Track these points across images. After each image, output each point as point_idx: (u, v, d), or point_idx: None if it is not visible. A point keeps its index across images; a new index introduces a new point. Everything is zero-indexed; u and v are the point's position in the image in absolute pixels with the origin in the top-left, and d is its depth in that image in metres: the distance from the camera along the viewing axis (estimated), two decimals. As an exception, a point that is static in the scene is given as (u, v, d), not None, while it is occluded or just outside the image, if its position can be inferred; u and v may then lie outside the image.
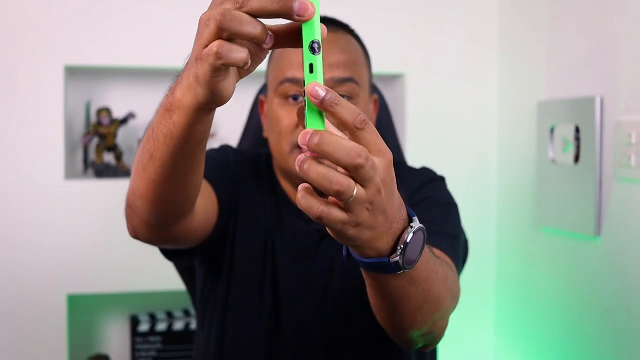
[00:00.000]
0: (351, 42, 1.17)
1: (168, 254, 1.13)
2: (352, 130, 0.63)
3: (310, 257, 1.17)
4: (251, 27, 0.62)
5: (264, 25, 0.63)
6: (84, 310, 1.93)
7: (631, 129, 1.38)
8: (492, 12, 1.96)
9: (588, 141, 1.50)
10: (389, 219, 0.68)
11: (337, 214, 0.64)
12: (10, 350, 1.73)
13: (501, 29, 1.94)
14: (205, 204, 1.04)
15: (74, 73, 1.87)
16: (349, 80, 1.13)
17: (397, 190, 0.69)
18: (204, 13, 0.64)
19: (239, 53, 0.62)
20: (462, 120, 1.97)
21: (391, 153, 0.66)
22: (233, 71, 0.69)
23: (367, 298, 0.85)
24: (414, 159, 1.75)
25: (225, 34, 0.62)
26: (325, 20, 1.18)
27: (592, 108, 1.48)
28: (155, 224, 0.92)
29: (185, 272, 1.33)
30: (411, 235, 0.70)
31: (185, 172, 0.83)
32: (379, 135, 0.65)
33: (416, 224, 0.71)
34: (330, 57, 1.12)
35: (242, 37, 0.62)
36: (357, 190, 0.62)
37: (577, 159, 1.55)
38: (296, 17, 0.62)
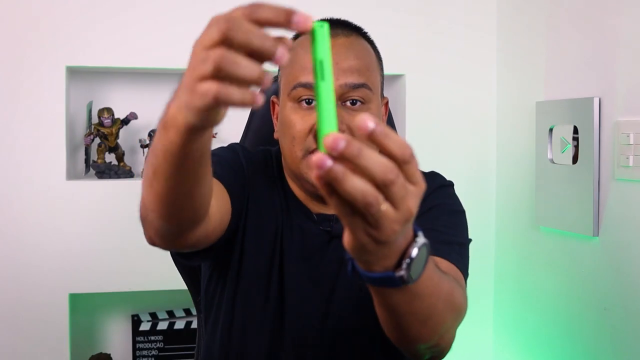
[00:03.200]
0: (364, 46, 1.17)
1: (181, 255, 1.14)
2: (399, 163, 0.61)
3: (318, 257, 1.17)
4: (248, 71, 0.59)
5: (261, 68, 0.60)
6: (85, 310, 1.93)
7: (629, 129, 1.38)
8: (491, 13, 1.96)
9: (586, 141, 1.51)
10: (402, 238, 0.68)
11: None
12: (12, 349, 1.74)
13: (500, 29, 1.95)
14: (219, 206, 1.04)
15: (75, 74, 1.88)
16: (363, 85, 1.13)
17: None
18: (201, 37, 0.61)
19: (242, 94, 0.60)
20: (461, 120, 1.98)
21: (423, 184, 0.64)
22: None
23: (373, 301, 0.86)
24: (414, 159, 1.76)
25: (223, 73, 0.59)
26: (338, 23, 1.18)
27: (590, 108, 1.49)
28: (170, 234, 0.93)
29: (187, 270, 1.33)
30: (416, 250, 0.70)
31: (192, 185, 0.83)
32: (418, 167, 0.64)
33: (420, 239, 0.71)
34: (344, 62, 1.12)
35: (239, 81, 0.60)
36: (385, 206, 0.61)
37: (575, 159, 1.55)
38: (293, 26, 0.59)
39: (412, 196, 0.62)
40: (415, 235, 0.71)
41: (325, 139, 0.59)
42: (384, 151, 0.60)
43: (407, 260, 0.70)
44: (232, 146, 1.25)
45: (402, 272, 0.70)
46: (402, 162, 0.61)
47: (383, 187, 0.60)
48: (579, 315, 1.58)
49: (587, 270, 1.54)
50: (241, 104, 0.61)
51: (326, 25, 0.60)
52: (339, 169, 0.59)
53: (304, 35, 1.17)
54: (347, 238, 0.67)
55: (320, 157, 0.59)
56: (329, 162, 0.59)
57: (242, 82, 0.60)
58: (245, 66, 0.59)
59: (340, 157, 0.59)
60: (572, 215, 1.57)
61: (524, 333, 1.83)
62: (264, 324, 1.17)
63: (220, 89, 0.60)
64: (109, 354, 1.90)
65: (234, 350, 1.19)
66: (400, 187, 0.60)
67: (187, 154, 0.75)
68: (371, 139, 0.59)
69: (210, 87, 0.60)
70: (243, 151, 1.24)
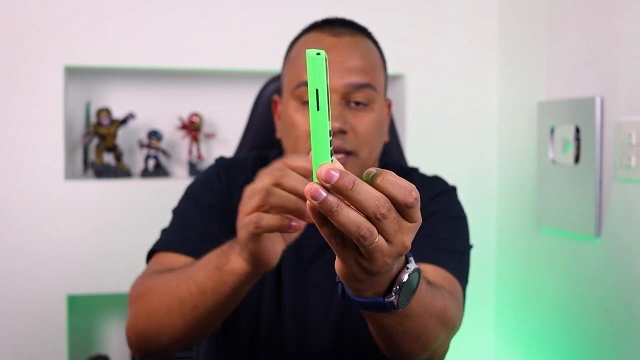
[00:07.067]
0: (369, 46, 1.16)
1: None
2: (401, 207, 0.62)
3: (318, 260, 1.17)
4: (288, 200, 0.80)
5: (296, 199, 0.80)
6: (83, 311, 1.93)
7: (631, 129, 1.38)
8: (492, 13, 1.96)
9: (588, 141, 1.50)
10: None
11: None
12: (10, 351, 1.73)
13: (501, 29, 1.94)
14: None
15: (73, 73, 1.87)
16: (367, 86, 1.12)
17: None
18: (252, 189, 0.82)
19: (272, 220, 0.78)
20: (462, 121, 1.97)
21: (421, 220, 0.64)
22: (277, 237, 0.85)
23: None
24: (414, 159, 1.75)
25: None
26: (343, 23, 1.18)
27: (592, 108, 1.48)
28: (183, 347, 1.02)
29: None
30: (406, 276, 0.70)
31: (228, 310, 0.94)
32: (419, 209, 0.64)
33: (412, 265, 0.71)
34: (349, 61, 1.11)
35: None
36: (378, 239, 0.61)
37: (577, 159, 1.54)
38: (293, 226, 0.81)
39: (408, 231, 0.62)
40: (406, 261, 0.71)
41: (318, 170, 0.59)
42: (355, 205, 0.61)
43: (397, 287, 0.70)
44: (202, 182, 1.22)
45: (392, 298, 0.70)
46: (405, 206, 0.61)
47: (375, 221, 0.60)
48: (580, 316, 1.57)
49: (589, 271, 1.54)
50: (279, 229, 0.79)
51: (323, 53, 0.59)
52: (334, 200, 0.59)
53: (307, 35, 1.17)
54: (338, 265, 0.67)
55: (314, 188, 0.59)
56: (324, 194, 0.59)
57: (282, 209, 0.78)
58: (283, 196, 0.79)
59: (333, 189, 0.59)
60: (573, 215, 1.56)
61: (525, 334, 1.82)
62: (263, 327, 1.17)
63: (260, 216, 0.78)
64: (107, 356, 1.90)
65: (234, 354, 1.18)
66: (392, 221, 0.61)
67: (237, 294, 0.88)
68: (338, 192, 0.60)
69: (251, 217, 0.78)
70: (217, 174, 1.21)
